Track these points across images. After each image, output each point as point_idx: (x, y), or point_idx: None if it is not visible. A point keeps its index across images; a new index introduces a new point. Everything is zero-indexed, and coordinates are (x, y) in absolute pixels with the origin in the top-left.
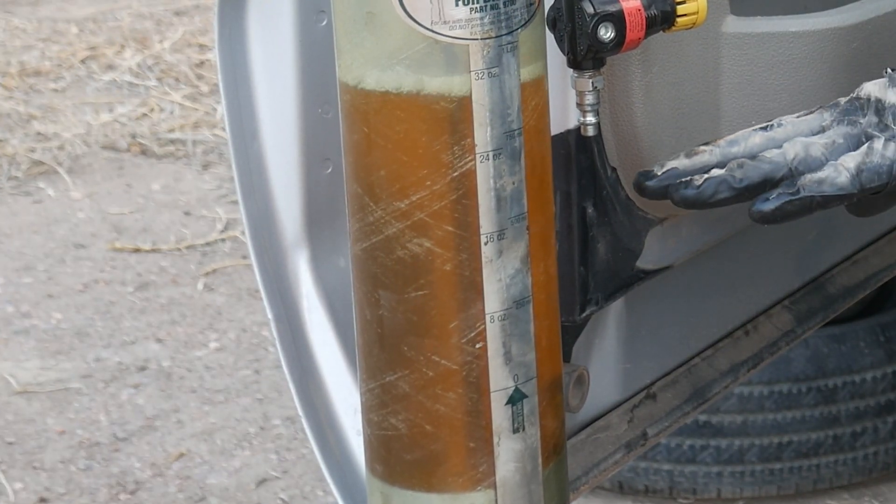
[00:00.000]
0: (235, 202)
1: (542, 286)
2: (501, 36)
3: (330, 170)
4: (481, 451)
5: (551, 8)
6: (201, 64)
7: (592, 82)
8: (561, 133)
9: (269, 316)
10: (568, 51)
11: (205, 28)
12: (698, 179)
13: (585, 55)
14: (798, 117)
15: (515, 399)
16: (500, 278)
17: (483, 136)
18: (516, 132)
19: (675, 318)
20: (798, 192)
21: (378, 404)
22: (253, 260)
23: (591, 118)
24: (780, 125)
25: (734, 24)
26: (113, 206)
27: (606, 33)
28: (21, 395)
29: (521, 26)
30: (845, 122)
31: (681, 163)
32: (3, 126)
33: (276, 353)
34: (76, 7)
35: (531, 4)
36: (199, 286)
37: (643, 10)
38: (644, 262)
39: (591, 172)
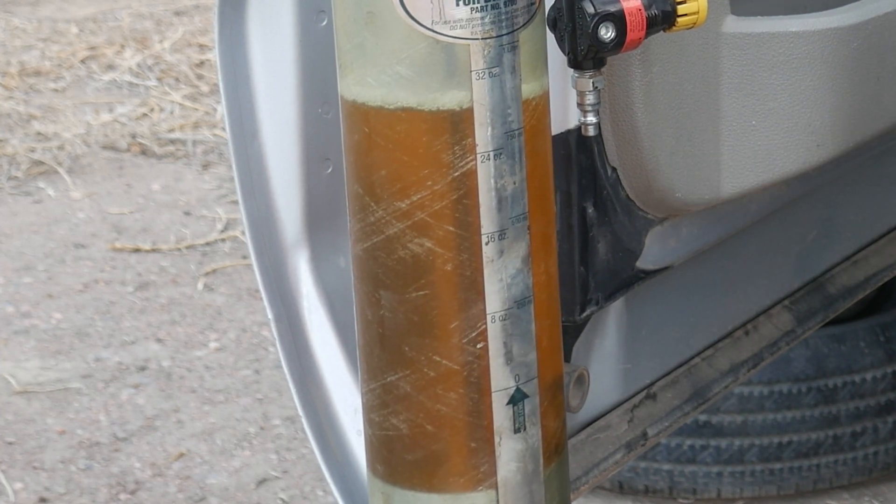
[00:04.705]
0: (235, 202)
1: (543, 286)
2: (502, 36)
3: (330, 170)
4: (482, 452)
5: (552, 8)
6: (201, 64)
7: (593, 82)
8: (561, 133)
9: (269, 316)
10: (568, 51)
11: (205, 28)
12: None
13: (586, 55)
14: None
15: (517, 399)
16: (501, 278)
17: (484, 135)
18: (517, 132)
19: (675, 318)
20: None
21: (379, 404)
22: (253, 260)
23: (591, 118)
24: None
25: (734, 24)
26: (113, 206)
27: (607, 33)
28: (21, 395)
29: (522, 26)
30: None
31: None
32: (3, 126)
33: (276, 353)
34: (76, 7)
35: (532, 4)
36: (199, 286)
37: (644, 9)
38: (644, 262)
39: (592, 172)
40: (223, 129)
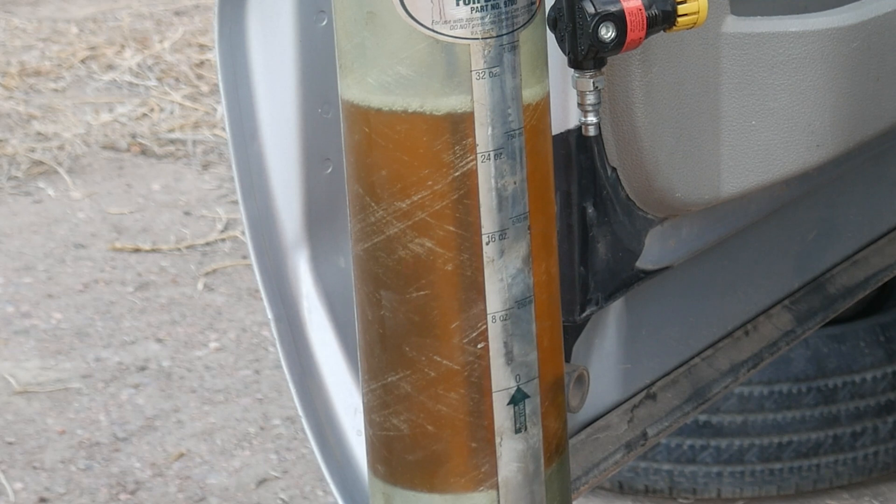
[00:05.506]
0: (235, 202)
1: (544, 286)
2: (502, 35)
3: (330, 170)
4: (483, 452)
5: (552, 8)
6: (201, 64)
7: (593, 82)
8: (561, 133)
9: (269, 316)
10: (569, 51)
11: (205, 28)
12: None
13: (586, 55)
14: None
15: (517, 399)
16: (501, 278)
17: (484, 135)
18: (517, 132)
19: (675, 318)
20: None
21: (380, 405)
22: (253, 260)
23: (592, 118)
24: None
25: (734, 24)
26: (113, 206)
27: (607, 33)
28: (21, 395)
29: (522, 26)
30: None
31: None
32: (3, 126)
33: (276, 353)
34: (76, 7)
35: (532, 4)
36: (199, 286)
37: (644, 9)
38: (644, 262)
39: (592, 172)
40: (223, 129)
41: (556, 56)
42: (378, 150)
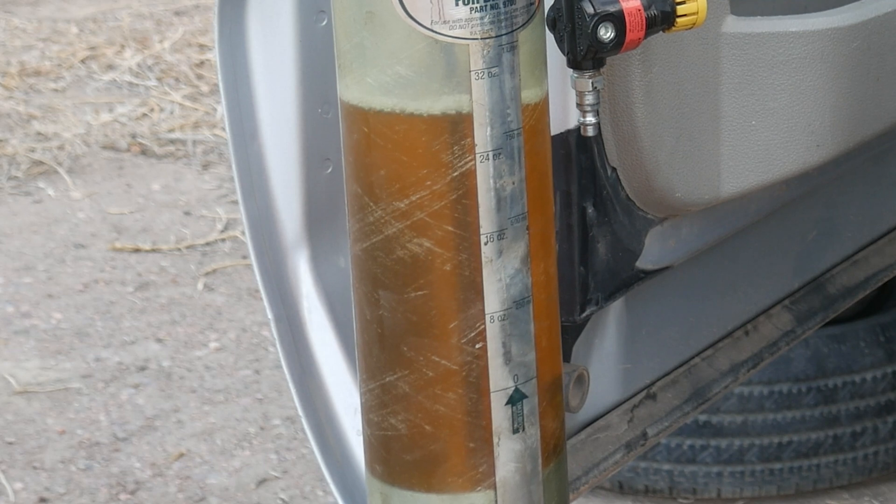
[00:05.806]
0: (235, 202)
1: (542, 286)
2: (501, 36)
3: (330, 170)
4: (481, 452)
5: (551, 8)
6: (201, 64)
7: (592, 82)
8: (561, 133)
9: (269, 316)
10: (568, 51)
11: (205, 28)
12: None
13: (585, 55)
14: None
15: (515, 399)
16: (499, 278)
17: (483, 135)
18: (516, 132)
19: (675, 318)
20: None
21: (378, 404)
22: (253, 260)
23: (591, 118)
24: None
25: (734, 24)
26: (113, 206)
27: (606, 33)
28: (21, 395)
29: (521, 26)
30: None
31: None
32: (3, 126)
33: (276, 353)
34: (76, 7)
35: (531, 4)
36: (199, 286)
37: (643, 10)
38: (644, 262)
39: (591, 172)
40: (223, 129)
41: (555, 56)
42: (377, 150)
